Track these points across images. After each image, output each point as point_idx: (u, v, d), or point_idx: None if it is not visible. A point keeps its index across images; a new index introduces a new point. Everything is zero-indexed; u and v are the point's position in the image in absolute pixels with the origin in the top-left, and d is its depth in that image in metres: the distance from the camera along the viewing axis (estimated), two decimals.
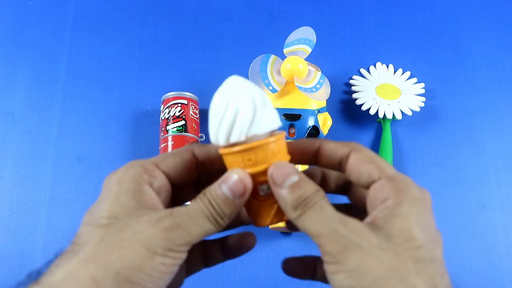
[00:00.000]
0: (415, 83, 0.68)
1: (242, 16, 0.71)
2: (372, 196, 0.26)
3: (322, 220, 0.24)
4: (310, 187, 0.25)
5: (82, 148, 0.63)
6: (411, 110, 0.63)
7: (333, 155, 0.28)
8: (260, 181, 0.27)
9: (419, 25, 0.72)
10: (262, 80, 0.58)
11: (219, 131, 0.27)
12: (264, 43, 0.69)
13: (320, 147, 0.29)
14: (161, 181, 0.27)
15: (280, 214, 0.28)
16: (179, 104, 0.61)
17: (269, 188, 0.27)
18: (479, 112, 0.67)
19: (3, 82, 0.66)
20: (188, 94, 0.62)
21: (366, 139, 0.65)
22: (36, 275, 0.24)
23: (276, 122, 0.27)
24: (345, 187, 0.30)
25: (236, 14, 0.71)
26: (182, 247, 0.24)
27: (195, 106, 0.62)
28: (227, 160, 0.27)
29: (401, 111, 0.63)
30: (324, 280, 0.29)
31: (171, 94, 0.62)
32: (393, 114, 0.63)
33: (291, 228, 0.30)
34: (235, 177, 0.26)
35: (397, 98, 0.65)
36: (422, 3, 0.73)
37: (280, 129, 0.60)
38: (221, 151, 0.27)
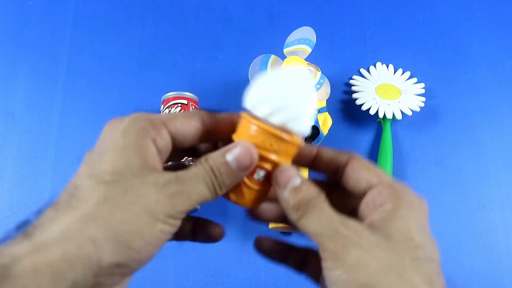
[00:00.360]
0: (415, 83, 0.67)
1: (242, 16, 0.71)
2: (370, 200, 0.26)
3: (322, 220, 0.24)
4: (312, 190, 0.26)
5: (82, 148, 0.63)
6: (411, 110, 0.63)
7: (331, 161, 0.29)
8: (261, 165, 0.27)
9: (419, 25, 0.72)
10: None
11: (268, 102, 0.26)
12: (264, 43, 0.69)
13: (318, 153, 0.29)
14: (165, 140, 0.26)
15: (257, 203, 0.29)
16: (179, 104, 0.61)
17: (264, 176, 0.27)
18: (479, 112, 0.67)
19: (3, 82, 0.66)
20: (188, 94, 0.62)
21: (366, 139, 0.65)
22: (25, 226, 0.22)
23: (310, 127, 0.28)
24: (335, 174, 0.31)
25: (236, 14, 0.71)
26: (182, 214, 0.24)
27: (195, 106, 0.62)
28: (246, 128, 0.27)
29: (401, 111, 0.63)
30: (299, 268, 0.31)
31: (171, 94, 0.62)
32: (393, 114, 0.62)
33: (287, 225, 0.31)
34: (244, 148, 0.25)
35: (397, 98, 0.65)
36: (422, 3, 0.73)
37: None
38: (252, 118, 0.26)
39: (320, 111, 0.61)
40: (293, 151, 0.28)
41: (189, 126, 0.27)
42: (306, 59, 0.60)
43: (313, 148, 0.29)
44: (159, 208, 0.23)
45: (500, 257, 0.60)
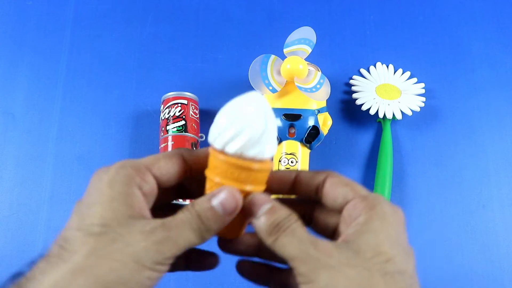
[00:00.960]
0: (415, 83, 0.67)
1: (242, 16, 0.71)
2: (346, 216, 0.27)
3: (294, 243, 0.24)
4: (282, 212, 0.26)
5: (82, 148, 0.63)
6: (411, 110, 0.63)
7: (309, 182, 0.29)
8: None
9: (419, 25, 0.72)
10: (262, 80, 0.58)
11: (223, 133, 0.26)
12: (264, 43, 0.69)
13: (297, 177, 0.29)
14: (151, 185, 0.26)
15: (236, 232, 0.29)
16: (179, 104, 0.61)
17: None
18: (479, 112, 0.67)
19: (3, 82, 0.66)
20: (188, 94, 0.62)
21: (366, 139, 0.65)
22: (19, 278, 0.23)
23: (273, 152, 0.28)
24: (311, 210, 0.31)
25: (236, 14, 0.71)
26: (169, 260, 0.24)
27: (195, 106, 0.62)
28: (212, 162, 0.27)
29: (401, 111, 0.63)
30: None
31: (171, 94, 0.62)
32: (393, 114, 0.63)
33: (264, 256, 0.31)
34: (228, 193, 0.26)
35: (397, 98, 0.65)
36: (422, 3, 0.73)
37: (280, 129, 0.60)
38: (215, 151, 0.27)
39: (320, 111, 0.61)
40: (262, 176, 0.28)
41: (172, 166, 0.28)
42: (306, 59, 0.60)
43: (291, 173, 0.30)
44: (145, 255, 0.23)
45: (500, 257, 0.60)
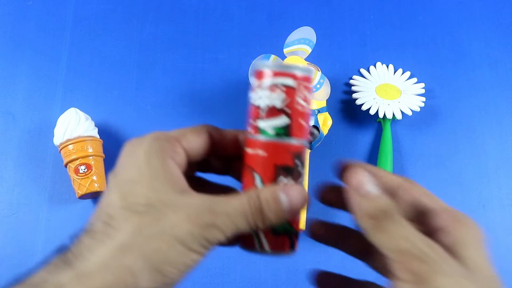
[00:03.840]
0: (415, 83, 0.67)
1: (242, 16, 0.71)
2: (426, 223, 0.25)
3: (403, 235, 0.23)
4: (388, 200, 0.24)
5: None
6: (411, 110, 0.63)
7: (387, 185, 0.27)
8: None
9: (419, 25, 0.72)
10: None
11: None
12: (264, 43, 0.69)
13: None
14: (181, 156, 0.27)
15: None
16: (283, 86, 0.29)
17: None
18: (479, 112, 0.67)
19: (3, 82, 0.66)
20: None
21: (366, 139, 0.65)
22: (64, 251, 0.23)
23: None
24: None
25: (236, 14, 0.71)
26: (213, 245, 0.24)
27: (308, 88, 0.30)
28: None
29: (401, 111, 0.63)
30: (358, 256, 0.29)
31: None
32: (393, 114, 0.63)
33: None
34: (298, 190, 0.25)
35: (397, 98, 0.65)
36: (422, 3, 0.73)
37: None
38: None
39: (320, 111, 0.61)
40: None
41: (199, 140, 0.28)
42: (306, 59, 0.60)
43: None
44: (192, 239, 0.23)
45: (500, 257, 0.60)
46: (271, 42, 0.69)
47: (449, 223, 0.25)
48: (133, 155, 0.26)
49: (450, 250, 0.23)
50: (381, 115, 0.63)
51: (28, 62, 0.67)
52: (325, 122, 0.62)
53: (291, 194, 0.25)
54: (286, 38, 0.61)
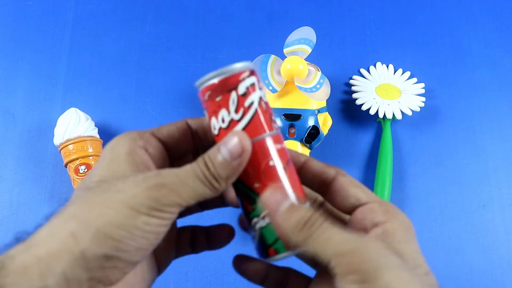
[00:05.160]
0: (415, 83, 0.67)
1: (242, 16, 0.71)
2: (359, 218, 0.26)
3: (337, 239, 0.23)
4: (309, 209, 0.25)
5: None
6: (411, 110, 0.63)
7: (318, 173, 0.28)
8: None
9: (419, 25, 0.72)
10: (262, 80, 0.58)
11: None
12: (264, 43, 0.69)
13: (306, 163, 0.29)
14: (156, 148, 0.27)
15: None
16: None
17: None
18: (479, 112, 0.67)
19: (3, 82, 0.66)
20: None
21: (366, 139, 0.65)
22: (25, 236, 0.24)
23: None
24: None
25: (236, 14, 0.71)
26: (169, 208, 0.24)
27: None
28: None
29: (401, 111, 0.63)
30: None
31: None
32: (393, 114, 0.63)
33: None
34: (235, 138, 0.25)
35: (397, 98, 0.65)
36: (422, 3, 0.73)
37: (280, 129, 0.60)
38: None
39: (320, 111, 0.61)
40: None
41: (176, 131, 0.28)
42: (306, 59, 0.60)
43: (301, 157, 0.29)
44: (138, 200, 0.23)
45: (500, 257, 0.60)
46: (271, 42, 0.69)
47: (380, 215, 0.25)
48: (104, 150, 0.27)
49: (386, 244, 0.24)
50: (381, 115, 0.63)
51: (28, 62, 0.68)
52: (325, 122, 0.62)
53: (229, 143, 0.25)
54: (286, 38, 0.61)
